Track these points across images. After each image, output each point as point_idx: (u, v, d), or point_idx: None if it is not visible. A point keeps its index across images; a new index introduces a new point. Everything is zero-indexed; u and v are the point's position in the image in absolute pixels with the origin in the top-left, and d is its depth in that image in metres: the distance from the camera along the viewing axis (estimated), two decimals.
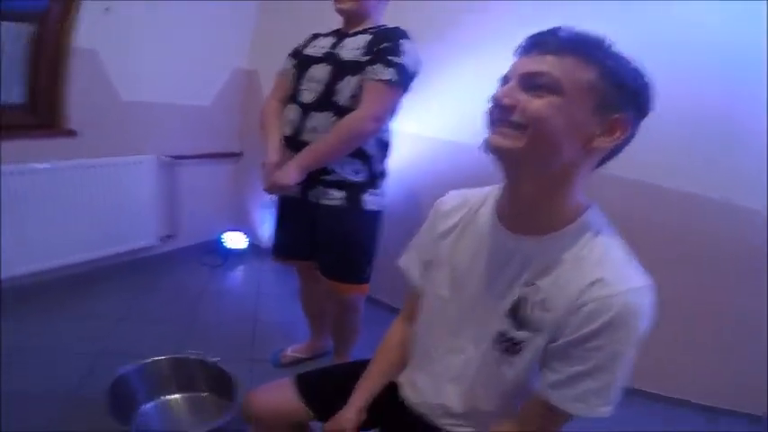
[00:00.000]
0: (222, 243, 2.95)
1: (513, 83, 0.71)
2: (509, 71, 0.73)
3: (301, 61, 1.71)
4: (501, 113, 0.70)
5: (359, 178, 1.65)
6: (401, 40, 1.58)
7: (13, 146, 2.05)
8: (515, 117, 0.68)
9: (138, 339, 2.04)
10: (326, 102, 1.59)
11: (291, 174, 1.55)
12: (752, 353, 1.96)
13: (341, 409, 0.99)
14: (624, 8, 1.86)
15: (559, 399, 0.72)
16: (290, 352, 2.08)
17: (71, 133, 2.22)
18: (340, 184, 1.63)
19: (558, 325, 0.72)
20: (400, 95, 1.60)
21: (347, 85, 1.57)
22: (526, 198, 0.76)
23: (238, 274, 2.87)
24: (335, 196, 1.64)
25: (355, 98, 1.57)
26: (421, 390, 0.95)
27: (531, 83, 0.69)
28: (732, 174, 1.87)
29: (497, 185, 0.84)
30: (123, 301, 2.33)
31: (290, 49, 1.79)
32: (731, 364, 2.01)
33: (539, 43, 0.71)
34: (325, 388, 1.09)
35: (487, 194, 0.87)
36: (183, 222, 2.83)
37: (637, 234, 1.91)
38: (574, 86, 0.67)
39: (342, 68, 1.59)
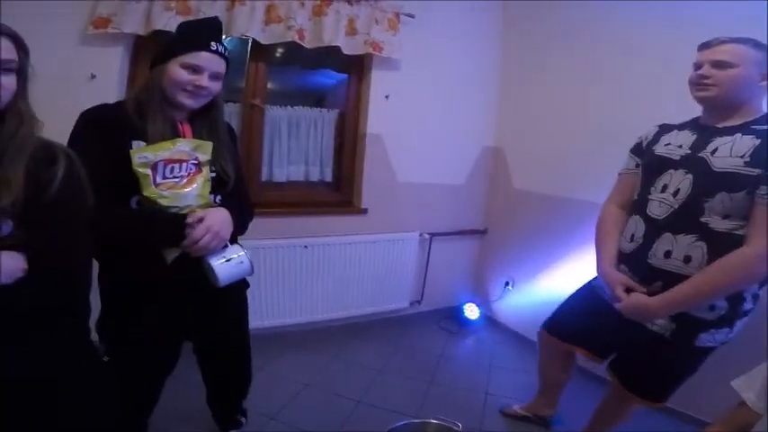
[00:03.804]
0: (462, 312, 3.16)
1: None
2: None
3: (651, 163, 1.46)
4: None
5: (710, 316, 1.35)
6: None
7: (322, 220, 2.64)
8: None
9: (388, 392, 2.30)
10: (689, 222, 1.31)
11: (654, 315, 1.37)
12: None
13: None
14: None
15: None
16: (515, 407, 2.13)
17: (364, 211, 2.73)
18: (677, 315, 1.37)
19: None
20: None
21: (720, 204, 1.26)
22: None
23: (471, 342, 3.01)
24: (661, 324, 1.41)
25: (730, 219, 1.27)
26: None
27: None
28: None
29: None
30: (380, 355, 2.67)
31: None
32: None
33: None
34: None
35: None
36: (430, 289, 3.14)
37: None
38: None
39: (713, 181, 1.28)
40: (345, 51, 2.40)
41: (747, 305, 1.37)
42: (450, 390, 2.42)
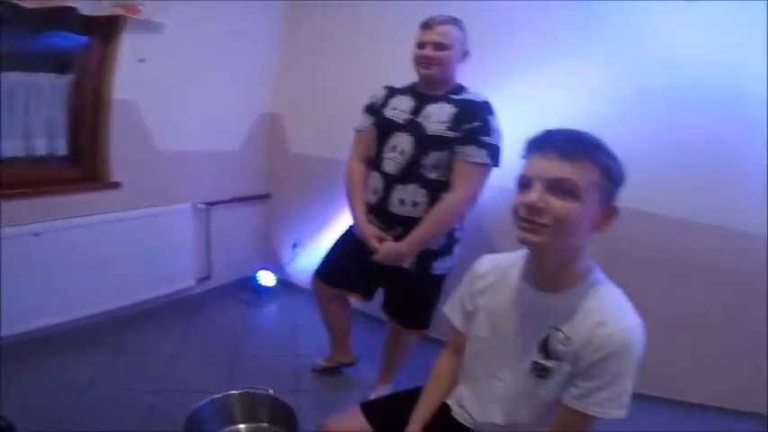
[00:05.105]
0: (257, 281, 3.02)
1: (539, 187, 0.88)
2: (530, 172, 0.91)
3: (382, 125, 1.71)
4: (530, 214, 0.89)
5: (435, 246, 1.69)
6: (489, 117, 1.58)
7: (58, 200, 2.15)
8: (543, 219, 0.88)
9: (191, 374, 2.12)
10: (412, 174, 1.62)
11: (404, 257, 1.67)
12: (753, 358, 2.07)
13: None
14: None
15: (582, 406, 0.93)
16: (320, 361, 2.23)
17: (115, 185, 2.32)
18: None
19: (577, 355, 0.94)
20: (491, 172, 1.62)
21: (432, 159, 1.60)
22: (548, 267, 0.98)
23: (272, 310, 2.93)
24: (409, 261, 1.70)
25: (438, 169, 1.61)
26: (469, 409, 1.13)
27: (555, 187, 0.87)
28: (736, 203, 2.00)
29: (524, 252, 1.05)
30: (173, 339, 2.41)
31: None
32: (736, 368, 2.12)
33: (554, 147, 0.89)
34: (390, 413, 1.22)
35: (515, 260, 1.08)
36: (217, 263, 2.91)
37: (657, 262, 2.12)
38: (588, 189, 0.87)
39: (427, 142, 1.60)
40: (84, 12, 1.97)
41: (457, 233, 1.75)
42: (259, 360, 2.34)
